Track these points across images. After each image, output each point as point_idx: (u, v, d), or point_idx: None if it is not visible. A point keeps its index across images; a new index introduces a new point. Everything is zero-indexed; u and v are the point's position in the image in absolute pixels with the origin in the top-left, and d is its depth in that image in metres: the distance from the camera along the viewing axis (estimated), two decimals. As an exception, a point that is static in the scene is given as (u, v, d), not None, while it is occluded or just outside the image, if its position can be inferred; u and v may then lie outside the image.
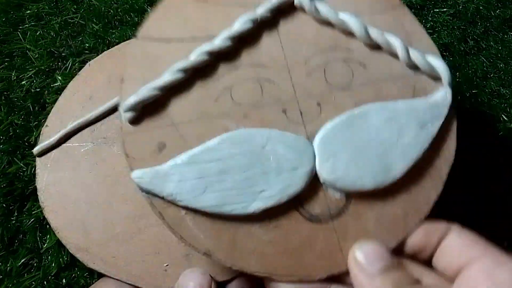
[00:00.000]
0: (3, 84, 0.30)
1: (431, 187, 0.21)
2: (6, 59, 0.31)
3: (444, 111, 0.21)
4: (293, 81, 0.21)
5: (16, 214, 0.25)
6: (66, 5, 0.34)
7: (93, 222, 0.23)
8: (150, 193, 0.19)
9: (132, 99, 0.19)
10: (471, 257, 0.18)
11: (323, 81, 0.21)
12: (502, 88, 0.31)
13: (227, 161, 0.19)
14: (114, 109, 0.25)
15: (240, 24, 0.20)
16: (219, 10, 0.21)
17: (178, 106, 0.20)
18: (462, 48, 0.32)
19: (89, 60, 0.31)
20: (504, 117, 0.30)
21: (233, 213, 0.19)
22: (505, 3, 0.35)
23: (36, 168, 0.24)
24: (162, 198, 0.19)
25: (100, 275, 0.23)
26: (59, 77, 0.29)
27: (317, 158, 0.20)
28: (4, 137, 0.28)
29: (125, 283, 0.22)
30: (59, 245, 0.24)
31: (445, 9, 0.35)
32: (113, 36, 0.31)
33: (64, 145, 0.25)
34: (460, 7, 0.35)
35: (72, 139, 0.25)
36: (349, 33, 0.21)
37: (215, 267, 0.21)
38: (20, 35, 0.32)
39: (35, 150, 0.24)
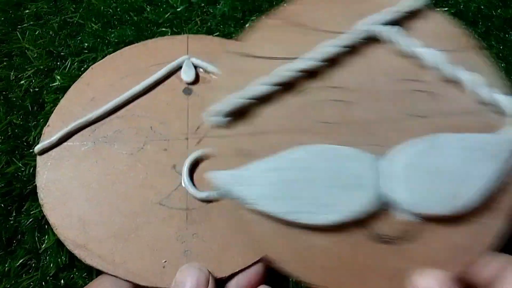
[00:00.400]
0: (1, 84, 0.30)
1: (500, 221, 0.21)
2: (5, 59, 0.31)
3: None
4: (371, 106, 0.22)
5: (14, 214, 0.25)
6: (65, 4, 0.34)
7: (92, 219, 0.23)
8: (227, 194, 0.20)
9: (221, 106, 0.21)
10: None
11: (400, 108, 0.22)
12: (504, 88, 0.31)
13: (303, 172, 0.20)
14: (115, 110, 0.25)
15: (327, 48, 0.22)
16: (309, 35, 0.23)
17: (263, 117, 0.21)
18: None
19: (88, 60, 0.31)
20: (505, 117, 0.30)
21: (304, 221, 0.19)
22: (506, 3, 0.35)
23: (37, 167, 0.24)
24: (238, 200, 0.20)
25: (99, 273, 0.23)
26: (58, 77, 0.29)
27: (390, 179, 0.20)
28: (2, 137, 0.27)
29: (123, 280, 0.22)
30: (58, 246, 0.24)
31: (446, 9, 0.35)
32: (112, 35, 0.31)
33: (65, 143, 0.25)
34: (461, 6, 0.35)
35: (73, 138, 0.25)
36: (426, 66, 0.23)
37: (213, 263, 0.22)
38: (19, 35, 0.32)
39: (36, 148, 0.24)
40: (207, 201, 0.23)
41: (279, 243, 0.20)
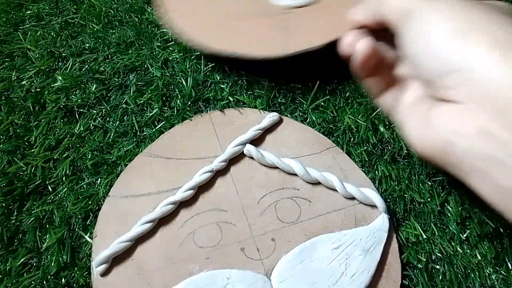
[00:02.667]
0: (3, 84, 0.30)
1: None
2: (7, 59, 0.31)
3: (384, 235, 0.23)
4: (248, 221, 0.23)
5: (15, 213, 0.25)
6: (66, 5, 0.34)
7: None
8: None
9: (104, 253, 0.22)
10: None
11: (275, 218, 0.24)
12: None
13: None
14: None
15: (199, 175, 0.24)
16: (181, 165, 0.25)
17: (146, 255, 0.22)
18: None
19: (89, 60, 0.31)
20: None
21: None
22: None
23: None
24: None
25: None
26: (59, 77, 0.30)
27: None
28: (4, 137, 0.28)
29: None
30: (59, 245, 0.24)
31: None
32: (113, 36, 0.32)
33: None
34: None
35: None
36: (293, 174, 0.25)
37: None
38: (20, 35, 0.32)
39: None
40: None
41: None
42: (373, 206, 0.24)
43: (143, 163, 0.25)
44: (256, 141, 0.26)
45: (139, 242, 0.22)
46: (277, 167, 0.25)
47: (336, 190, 0.24)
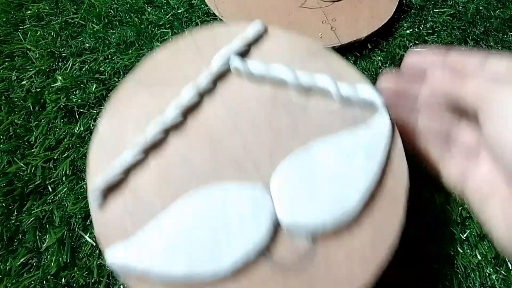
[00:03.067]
0: (3, 84, 0.30)
1: (392, 213, 0.20)
2: (7, 59, 0.31)
3: (385, 135, 0.21)
4: (242, 137, 0.22)
5: (15, 213, 0.25)
6: (66, 5, 0.34)
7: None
8: (125, 271, 0.19)
9: (99, 183, 0.20)
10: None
11: (269, 130, 0.22)
12: (502, 88, 0.31)
13: (191, 222, 0.20)
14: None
15: (186, 96, 0.23)
16: (167, 90, 0.23)
17: (141, 179, 0.21)
18: (462, 49, 0.32)
19: (89, 60, 0.31)
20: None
21: (205, 275, 0.19)
22: (505, 3, 0.35)
23: None
24: (137, 275, 0.19)
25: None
26: (59, 77, 0.30)
27: (276, 203, 0.20)
28: (4, 137, 0.28)
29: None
30: (59, 245, 0.24)
31: (445, 9, 0.35)
32: (113, 36, 0.32)
33: None
34: (460, 7, 0.35)
35: None
36: (284, 82, 0.23)
37: (351, 29, 0.30)
38: (20, 35, 0.32)
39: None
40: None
41: None
42: (372, 110, 0.22)
43: (128, 92, 0.24)
44: (242, 55, 0.24)
45: (133, 171, 0.21)
46: (267, 82, 0.24)
47: (331, 98, 0.23)
